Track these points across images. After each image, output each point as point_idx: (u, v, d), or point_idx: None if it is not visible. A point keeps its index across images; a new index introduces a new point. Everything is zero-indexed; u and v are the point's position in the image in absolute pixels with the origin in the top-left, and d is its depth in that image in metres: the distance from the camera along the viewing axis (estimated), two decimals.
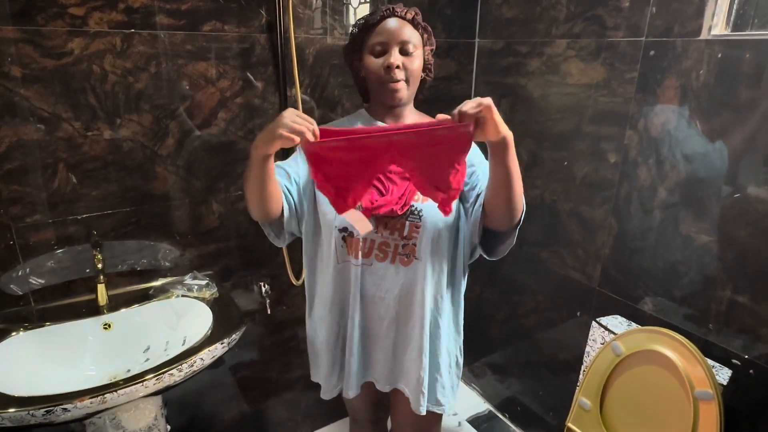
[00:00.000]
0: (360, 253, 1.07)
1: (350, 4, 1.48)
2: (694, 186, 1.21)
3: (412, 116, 1.13)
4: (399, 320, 1.11)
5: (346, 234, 1.07)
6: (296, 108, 1.44)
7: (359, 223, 1.00)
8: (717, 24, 1.13)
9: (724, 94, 1.12)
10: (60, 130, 1.18)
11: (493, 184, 0.95)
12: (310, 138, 0.84)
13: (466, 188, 1.08)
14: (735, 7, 1.11)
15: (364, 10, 1.50)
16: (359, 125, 1.11)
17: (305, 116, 0.86)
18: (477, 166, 1.08)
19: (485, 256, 1.12)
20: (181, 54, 1.27)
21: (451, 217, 1.06)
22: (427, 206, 1.04)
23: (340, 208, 0.93)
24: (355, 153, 0.88)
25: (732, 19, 1.11)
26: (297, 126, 0.83)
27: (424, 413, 1.14)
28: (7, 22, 1.07)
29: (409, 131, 0.88)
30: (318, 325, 1.20)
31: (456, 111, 0.82)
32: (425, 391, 1.12)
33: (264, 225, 1.12)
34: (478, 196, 1.04)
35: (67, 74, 1.15)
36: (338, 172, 0.90)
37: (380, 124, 1.10)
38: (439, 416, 1.22)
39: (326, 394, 1.22)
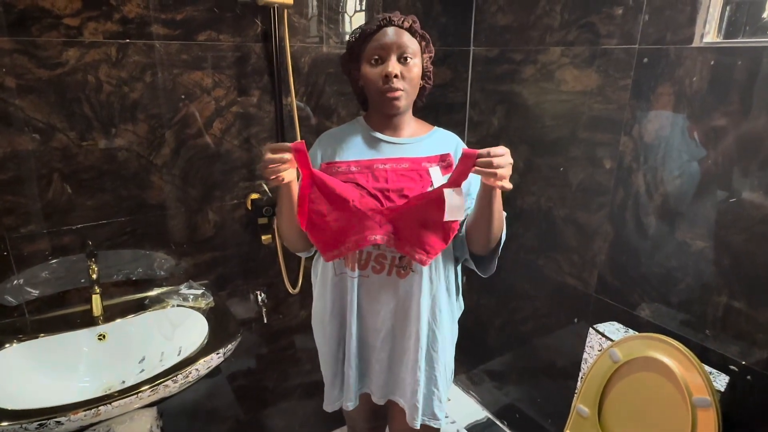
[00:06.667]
0: (356, 265, 1.06)
1: (346, 12, 1.49)
2: (689, 192, 1.21)
3: (410, 124, 1.12)
4: (395, 333, 1.10)
5: None
6: (291, 117, 1.44)
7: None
8: (709, 32, 1.14)
9: (717, 100, 1.13)
10: (55, 140, 1.18)
11: (476, 218, 1.00)
12: (287, 178, 0.93)
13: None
14: (727, 14, 1.12)
15: (360, 18, 1.51)
16: (359, 137, 1.11)
17: (279, 150, 0.90)
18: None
19: (477, 272, 1.14)
20: (177, 63, 1.27)
21: None
22: None
23: (328, 248, 1.02)
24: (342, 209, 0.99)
25: (724, 26, 1.12)
26: (271, 173, 0.90)
27: (418, 427, 1.13)
28: (2, 33, 1.07)
29: (400, 210, 0.98)
30: (320, 336, 1.19)
31: (486, 152, 0.86)
32: (419, 405, 1.11)
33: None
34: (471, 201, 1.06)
35: (62, 84, 1.15)
36: (327, 207, 0.99)
37: (377, 134, 1.09)
38: (437, 429, 1.21)
39: (328, 406, 1.21)
